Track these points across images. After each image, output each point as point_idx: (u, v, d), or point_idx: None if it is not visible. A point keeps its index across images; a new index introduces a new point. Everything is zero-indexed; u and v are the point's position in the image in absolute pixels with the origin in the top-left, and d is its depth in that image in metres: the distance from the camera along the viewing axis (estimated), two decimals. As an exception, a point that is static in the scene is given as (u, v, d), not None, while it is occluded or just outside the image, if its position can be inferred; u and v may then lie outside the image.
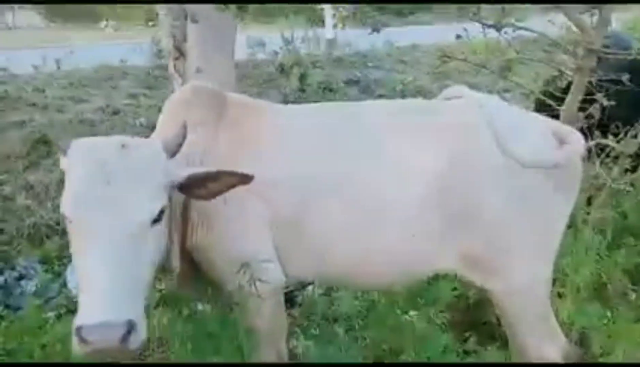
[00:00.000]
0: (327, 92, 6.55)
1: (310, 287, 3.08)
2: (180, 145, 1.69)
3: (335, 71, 7.68)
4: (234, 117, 1.95)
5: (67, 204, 1.53)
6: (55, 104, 5.40)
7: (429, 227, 1.91)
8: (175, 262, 1.83)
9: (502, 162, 1.92)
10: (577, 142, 2.04)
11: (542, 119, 2.15)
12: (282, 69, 7.00)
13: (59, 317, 2.71)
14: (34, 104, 5.29)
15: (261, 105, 2.11)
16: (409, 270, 2.00)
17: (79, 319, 1.43)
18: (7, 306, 2.87)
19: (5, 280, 3.10)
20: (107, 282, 1.45)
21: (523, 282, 2.00)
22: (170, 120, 1.92)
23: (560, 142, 2.03)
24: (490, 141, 1.93)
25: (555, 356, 2.08)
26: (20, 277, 3.14)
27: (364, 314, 2.64)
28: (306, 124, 2.01)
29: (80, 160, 1.57)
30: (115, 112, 5.39)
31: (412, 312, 2.80)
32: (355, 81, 7.47)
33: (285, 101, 6.26)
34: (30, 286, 3.10)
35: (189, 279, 1.94)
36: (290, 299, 2.98)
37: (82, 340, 1.40)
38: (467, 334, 2.58)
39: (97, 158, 1.57)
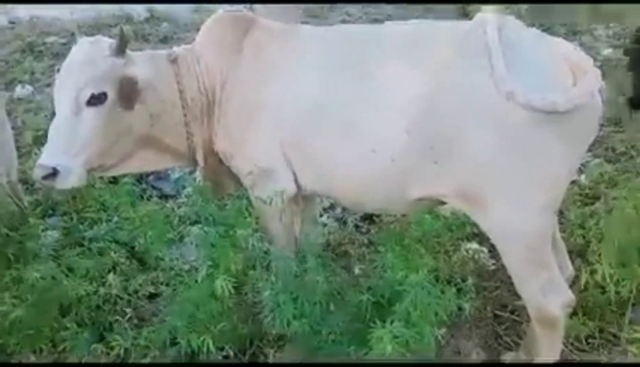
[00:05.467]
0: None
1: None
2: (120, 45, 2.10)
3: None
4: (257, 40, 2.24)
5: None
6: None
7: (411, 153, 1.97)
8: (199, 159, 2.32)
9: (494, 96, 1.83)
10: (592, 82, 1.82)
11: (559, 48, 1.93)
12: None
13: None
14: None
15: (285, 29, 2.32)
16: (401, 195, 2.08)
17: None
18: (153, 188, 3.76)
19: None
20: (50, 138, 2.08)
21: (509, 225, 1.96)
22: (203, 35, 2.33)
23: (576, 79, 1.82)
24: (483, 72, 1.85)
25: (554, 310, 2.03)
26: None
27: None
28: (319, 49, 2.19)
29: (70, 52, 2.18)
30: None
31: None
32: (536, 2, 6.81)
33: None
34: (175, 175, 3.95)
35: (216, 174, 2.40)
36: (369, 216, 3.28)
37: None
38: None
39: (72, 52, 2.16)
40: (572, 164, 1.97)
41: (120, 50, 2.11)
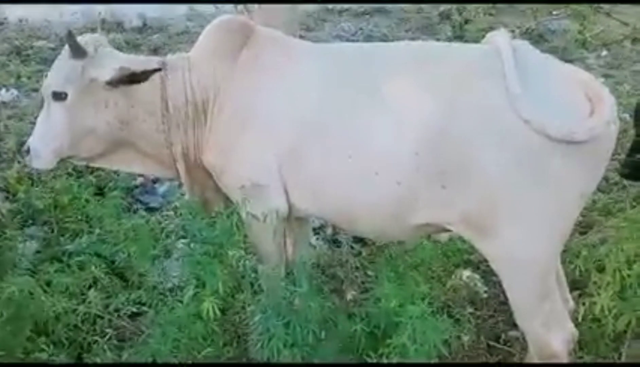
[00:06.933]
0: (483, 41, 6.22)
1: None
2: (71, 48, 2.14)
3: (507, 18, 7.15)
4: (256, 49, 2.16)
5: None
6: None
7: (419, 177, 1.89)
8: (180, 168, 2.25)
9: (511, 119, 1.78)
10: (609, 111, 1.78)
11: (574, 75, 1.89)
12: (446, 15, 6.80)
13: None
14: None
15: (287, 41, 2.25)
16: (403, 221, 2.00)
17: None
18: (139, 201, 3.66)
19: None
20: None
21: (517, 253, 1.90)
22: (200, 44, 2.26)
23: (592, 107, 1.78)
24: (500, 95, 1.79)
25: (557, 346, 1.97)
26: (156, 181, 3.90)
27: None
28: (319, 65, 2.11)
29: None
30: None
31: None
32: (529, 31, 6.89)
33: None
34: (162, 188, 3.86)
35: (204, 189, 2.32)
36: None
37: None
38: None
39: None
40: (586, 192, 1.92)
41: (73, 53, 2.14)
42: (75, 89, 2.15)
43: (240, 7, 3.02)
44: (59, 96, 2.17)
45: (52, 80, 2.19)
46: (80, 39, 2.21)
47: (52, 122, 2.20)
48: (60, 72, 2.18)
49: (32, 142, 2.25)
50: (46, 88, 2.21)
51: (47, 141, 2.22)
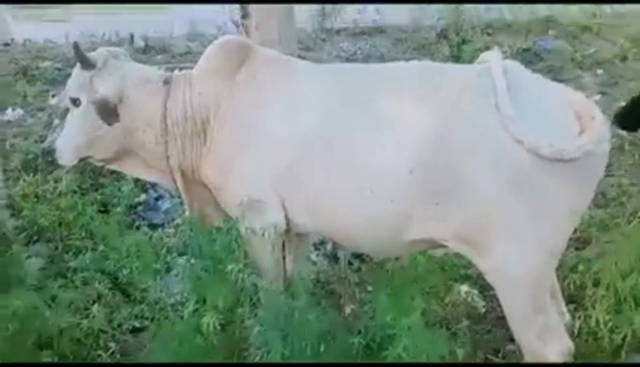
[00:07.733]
0: (480, 60, 6.29)
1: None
2: (83, 61, 2.25)
3: (506, 38, 7.23)
4: (254, 68, 2.22)
5: None
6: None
7: (413, 195, 1.93)
8: (177, 179, 2.31)
9: (504, 138, 1.82)
10: (600, 129, 1.82)
11: (565, 94, 1.94)
12: (443, 35, 6.88)
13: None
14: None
15: (284, 60, 2.32)
16: (397, 237, 2.03)
17: None
18: (142, 217, 3.71)
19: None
20: None
21: (510, 268, 1.93)
22: (201, 63, 2.32)
23: (582, 126, 1.83)
24: (492, 114, 1.84)
25: (552, 358, 1.99)
26: (159, 198, 3.97)
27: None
28: (316, 83, 2.17)
29: None
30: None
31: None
32: (526, 50, 6.97)
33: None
34: (165, 205, 3.91)
35: (203, 204, 2.38)
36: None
37: None
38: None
39: None
40: (578, 209, 1.95)
41: (81, 64, 2.27)
42: (86, 97, 2.28)
43: (240, 25, 3.11)
44: (74, 102, 2.32)
45: (70, 86, 2.34)
46: (96, 52, 2.32)
47: (71, 125, 2.37)
48: (75, 80, 2.32)
49: (57, 141, 2.45)
50: (66, 93, 2.38)
51: (67, 141, 2.39)
